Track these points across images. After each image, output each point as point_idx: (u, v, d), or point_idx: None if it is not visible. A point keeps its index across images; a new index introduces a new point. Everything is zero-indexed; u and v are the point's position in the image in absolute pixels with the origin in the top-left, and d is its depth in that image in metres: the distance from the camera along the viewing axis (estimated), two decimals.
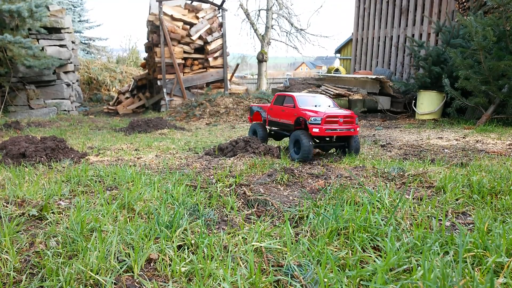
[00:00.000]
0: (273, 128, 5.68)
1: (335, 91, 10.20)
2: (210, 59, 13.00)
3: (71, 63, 12.06)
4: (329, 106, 5.06)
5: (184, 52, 12.71)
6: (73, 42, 13.46)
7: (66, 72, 11.93)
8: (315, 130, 4.52)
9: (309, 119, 4.58)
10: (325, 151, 5.42)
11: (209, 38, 12.84)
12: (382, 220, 2.58)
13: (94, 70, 17.72)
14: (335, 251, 2.24)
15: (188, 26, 12.69)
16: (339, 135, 4.82)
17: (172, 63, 12.36)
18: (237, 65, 15.74)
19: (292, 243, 2.34)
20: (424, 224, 2.50)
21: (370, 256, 2.16)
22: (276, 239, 2.41)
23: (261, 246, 2.27)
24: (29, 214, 2.85)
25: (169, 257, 2.19)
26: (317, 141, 5.14)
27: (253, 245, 2.29)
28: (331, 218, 2.53)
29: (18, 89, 10.74)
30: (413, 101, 9.83)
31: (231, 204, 3.01)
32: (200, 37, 12.81)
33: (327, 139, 5.11)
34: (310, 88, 11.60)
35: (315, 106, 5.00)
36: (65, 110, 11.66)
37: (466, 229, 2.53)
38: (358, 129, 4.81)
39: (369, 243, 2.31)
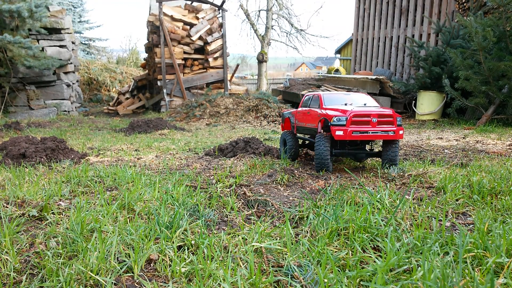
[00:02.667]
0: (303, 135, 4.86)
1: None
2: (210, 59, 13.01)
3: (71, 63, 12.06)
4: (364, 105, 4.19)
5: (184, 52, 12.72)
6: (73, 43, 13.46)
7: (66, 73, 11.93)
8: (339, 133, 3.68)
9: (331, 120, 3.75)
10: (359, 160, 4.39)
11: (209, 39, 12.84)
12: (382, 220, 2.58)
13: (94, 70, 17.72)
14: (335, 252, 2.24)
15: (188, 27, 12.69)
16: (373, 139, 3.90)
17: (172, 64, 12.36)
18: (237, 65, 15.74)
19: (292, 244, 2.34)
20: (424, 224, 2.50)
21: (370, 257, 2.16)
22: (276, 239, 2.41)
23: (261, 247, 2.27)
24: (29, 215, 2.85)
25: (169, 257, 2.19)
26: (348, 147, 4.21)
27: (253, 245, 2.29)
28: (331, 219, 2.53)
29: (18, 89, 10.74)
30: (413, 102, 9.83)
31: (231, 204, 3.01)
32: (200, 38, 12.81)
33: (358, 144, 4.20)
34: (310, 89, 11.60)
35: (345, 104, 4.18)
36: (65, 111, 11.66)
37: (466, 230, 2.53)
38: (401, 132, 3.79)
39: (369, 244, 2.31)
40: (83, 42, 25.39)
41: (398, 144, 3.99)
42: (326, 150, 3.85)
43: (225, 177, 3.84)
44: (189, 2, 13.33)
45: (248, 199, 3.17)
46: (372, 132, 3.74)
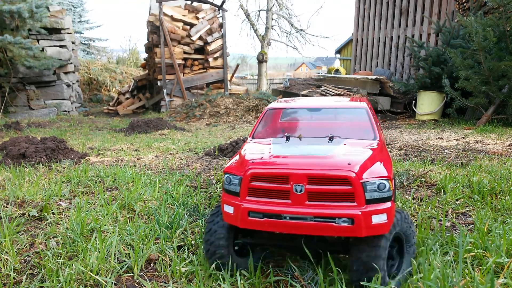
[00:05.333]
0: None
1: (335, 92, 10.20)
2: (210, 59, 13.00)
3: (71, 63, 12.06)
4: (329, 140, 2.15)
5: (184, 52, 12.72)
6: (73, 43, 13.46)
7: (66, 73, 11.94)
8: (228, 210, 1.92)
9: (224, 180, 2.01)
10: (294, 253, 2.22)
11: (209, 39, 12.84)
12: None
13: (94, 70, 17.72)
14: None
15: (188, 27, 12.69)
16: (296, 234, 1.94)
17: (172, 64, 12.36)
18: (237, 65, 15.74)
19: None
20: (424, 224, 2.50)
21: None
22: None
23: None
24: (29, 215, 2.85)
25: (169, 257, 2.19)
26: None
27: None
28: None
29: (18, 89, 10.74)
30: (413, 102, 9.83)
31: None
32: (200, 38, 12.81)
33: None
34: (310, 89, 11.60)
35: (286, 138, 2.24)
36: (65, 111, 11.66)
37: (466, 230, 2.53)
38: (380, 218, 1.74)
39: None
40: (83, 42, 25.38)
41: (382, 239, 1.80)
42: (220, 236, 1.98)
43: None
44: (189, 2, 13.33)
45: None
46: (291, 218, 1.78)
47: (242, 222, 1.86)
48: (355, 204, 1.74)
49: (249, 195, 1.88)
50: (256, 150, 2.11)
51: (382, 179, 1.78)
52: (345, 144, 2.09)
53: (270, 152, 2.02)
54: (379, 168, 1.84)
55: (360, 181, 1.74)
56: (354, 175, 1.74)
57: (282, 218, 1.79)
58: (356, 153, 1.94)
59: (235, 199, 1.91)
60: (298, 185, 1.78)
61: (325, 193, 1.77)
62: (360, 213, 1.72)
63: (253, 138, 2.43)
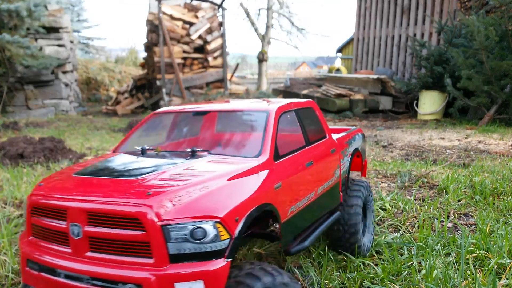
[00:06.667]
0: None
1: (336, 91, 10.17)
2: (209, 58, 12.97)
3: (69, 62, 12.03)
4: (189, 156, 1.61)
5: (184, 51, 12.68)
6: (71, 42, 13.43)
7: (64, 72, 11.90)
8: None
9: None
10: None
11: (208, 38, 12.81)
12: (383, 222, 2.55)
13: (92, 70, 17.69)
14: (336, 253, 2.21)
15: (187, 26, 12.66)
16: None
17: (171, 63, 12.34)
18: (237, 64, 15.71)
19: None
20: (426, 225, 2.47)
21: (372, 258, 2.14)
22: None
23: (261, 252, 2.25)
24: None
25: None
26: None
27: (253, 250, 2.27)
28: None
29: (16, 89, 10.71)
30: (415, 101, 9.80)
31: None
32: (199, 37, 12.78)
33: None
34: (311, 88, 11.58)
35: (140, 153, 1.72)
36: (64, 110, 11.63)
37: (468, 230, 2.50)
38: None
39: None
40: (82, 41, 25.34)
41: None
42: None
43: None
44: (188, 1, 13.30)
45: None
46: (66, 276, 1.26)
47: (22, 273, 1.34)
48: (151, 261, 1.13)
49: (33, 234, 1.37)
50: (77, 168, 1.57)
51: (202, 221, 1.14)
52: (207, 161, 1.48)
53: (77, 172, 1.48)
54: (203, 203, 1.20)
55: (159, 223, 1.12)
56: (151, 212, 1.12)
57: (56, 275, 1.25)
58: (186, 178, 1.30)
59: (25, 238, 1.41)
60: (75, 225, 1.20)
61: (112, 241, 1.18)
62: (153, 277, 1.10)
63: (114, 150, 1.81)
